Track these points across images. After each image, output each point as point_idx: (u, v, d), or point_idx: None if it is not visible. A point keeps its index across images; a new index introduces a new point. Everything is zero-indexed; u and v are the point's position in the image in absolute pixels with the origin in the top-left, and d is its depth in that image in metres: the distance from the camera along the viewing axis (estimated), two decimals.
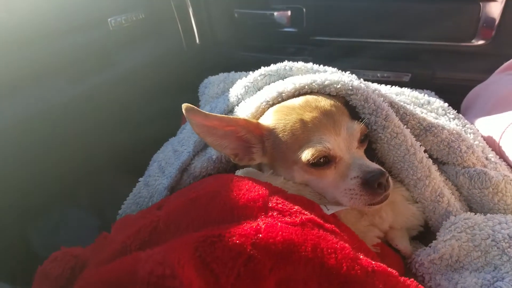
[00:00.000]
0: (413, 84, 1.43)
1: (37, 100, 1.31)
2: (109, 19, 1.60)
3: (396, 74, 1.74)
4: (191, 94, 1.66)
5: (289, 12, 1.99)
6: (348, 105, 0.91)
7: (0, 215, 1.17)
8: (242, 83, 1.07)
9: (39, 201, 1.33)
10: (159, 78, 1.88)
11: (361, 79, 0.97)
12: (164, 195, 0.99)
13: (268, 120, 0.89)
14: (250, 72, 1.12)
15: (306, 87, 0.91)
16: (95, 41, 1.57)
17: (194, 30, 2.08)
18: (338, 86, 0.89)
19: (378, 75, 1.74)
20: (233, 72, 1.36)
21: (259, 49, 2.12)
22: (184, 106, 0.82)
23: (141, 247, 0.71)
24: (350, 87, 0.88)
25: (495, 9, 1.58)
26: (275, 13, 2.01)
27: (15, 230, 1.26)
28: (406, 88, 1.15)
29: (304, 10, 1.95)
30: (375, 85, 1.07)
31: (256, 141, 0.88)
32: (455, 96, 1.32)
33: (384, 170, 0.80)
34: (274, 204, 0.73)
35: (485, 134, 1.06)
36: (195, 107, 0.82)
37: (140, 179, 1.12)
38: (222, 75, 1.35)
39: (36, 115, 1.29)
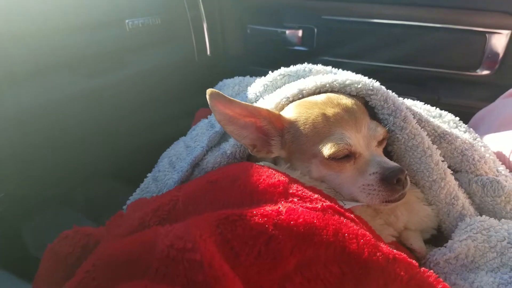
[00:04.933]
0: None
1: (52, 90, 1.31)
2: (126, 21, 1.63)
3: (402, 98, 1.78)
4: (200, 100, 1.69)
5: (300, 32, 2.05)
6: (367, 106, 0.93)
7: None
8: (261, 82, 1.09)
9: (39, 197, 1.31)
10: (169, 84, 1.90)
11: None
12: None
13: (290, 113, 0.90)
14: (269, 72, 1.14)
15: (327, 85, 0.93)
16: (112, 40, 1.60)
17: (206, 41, 2.12)
18: (359, 86, 0.91)
19: None
20: (248, 76, 1.38)
21: (269, 65, 2.14)
22: (208, 91, 0.83)
23: (159, 224, 0.70)
24: (371, 87, 0.91)
25: (500, 41, 1.65)
26: (287, 31, 2.06)
27: (13, 224, 1.23)
28: (419, 101, 1.18)
29: (316, 30, 2.01)
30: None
31: (276, 133, 0.89)
32: None
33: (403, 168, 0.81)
34: (294, 191, 0.73)
35: (495, 150, 1.08)
36: (220, 92, 0.83)
37: (149, 174, 1.11)
38: (237, 78, 1.37)
39: (50, 105, 1.29)
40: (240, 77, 1.38)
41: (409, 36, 1.83)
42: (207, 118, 1.26)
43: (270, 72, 1.11)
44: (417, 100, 1.83)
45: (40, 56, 1.28)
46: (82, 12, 1.44)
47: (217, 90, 0.84)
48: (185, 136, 1.27)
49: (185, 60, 2.03)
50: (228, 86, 1.33)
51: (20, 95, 1.21)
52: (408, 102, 1.15)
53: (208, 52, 2.13)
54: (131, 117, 1.69)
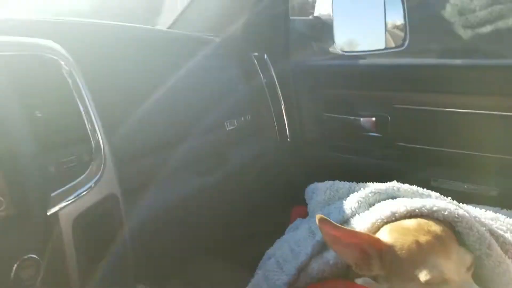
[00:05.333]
0: (501, 200, 1.51)
1: (173, 191, 1.61)
2: (225, 122, 1.96)
3: (483, 187, 1.82)
4: (288, 192, 1.93)
5: (374, 119, 2.21)
6: (453, 231, 1.07)
7: None
8: (355, 197, 1.28)
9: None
10: (262, 172, 2.17)
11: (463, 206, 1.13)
12: None
13: (386, 237, 1.06)
14: (357, 186, 1.34)
15: (417, 210, 1.09)
16: (216, 140, 1.92)
17: (287, 129, 2.38)
18: (446, 213, 1.06)
19: (465, 186, 1.82)
20: (337, 181, 1.58)
21: (346, 150, 2.35)
22: (318, 217, 1.02)
23: None
24: (456, 215, 1.05)
25: None
26: (361, 119, 2.23)
27: None
28: (501, 214, 1.28)
29: (389, 118, 2.15)
30: (471, 208, 1.22)
31: (376, 254, 1.05)
32: None
33: None
34: None
35: None
36: (328, 218, 1.04)
37: (259, 271, 1.32)
38: (328, 183, 1.58)
39: (172, 206, 1.58)
40: (329, 182, 1.58)
41: (484, 123, 1.86)
42: (304, 218, 1.48)
43: (365, 188, 1.31)
44: (499, 190, 1.81)
45: (162, 163, 1.58)
46: (193, 122, 1.77)
47: (325, 217, 1.04)
48: (283, 233, 1.48)
49: (271, 148, 2.31)
50: (320, 190, 1.54)
51: (153, 196, 1.51)
52: (490, 214, 1.26)
53: (288, 139, 2.40)
54: (233, 207, 1.95)
